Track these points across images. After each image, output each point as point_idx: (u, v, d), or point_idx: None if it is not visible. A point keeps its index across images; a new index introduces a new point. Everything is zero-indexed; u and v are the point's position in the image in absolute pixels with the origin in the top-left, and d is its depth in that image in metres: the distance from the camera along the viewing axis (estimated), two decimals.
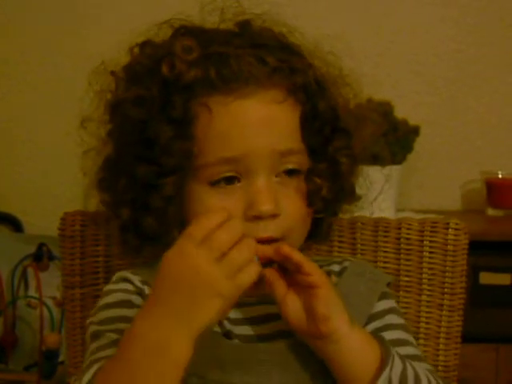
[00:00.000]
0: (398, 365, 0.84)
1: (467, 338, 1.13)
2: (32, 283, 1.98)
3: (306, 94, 0.89)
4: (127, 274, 0.93)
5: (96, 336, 0.87)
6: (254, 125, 0.86)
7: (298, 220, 0.89)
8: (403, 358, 0.86)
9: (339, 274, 0.97)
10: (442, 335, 1.09)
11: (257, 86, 0.86)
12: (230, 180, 0.87)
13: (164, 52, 0.88)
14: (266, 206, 0.85)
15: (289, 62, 0.88)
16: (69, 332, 1.13)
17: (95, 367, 0.79)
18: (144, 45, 0.93)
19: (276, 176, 0.88)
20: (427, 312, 1.08)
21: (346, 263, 0.98)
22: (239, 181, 0.87)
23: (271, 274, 0.84)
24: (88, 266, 1.11)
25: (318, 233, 0.96)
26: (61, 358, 1.91)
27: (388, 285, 0.99)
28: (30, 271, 1.98)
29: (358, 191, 0.97)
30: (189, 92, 0.86)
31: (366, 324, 0.93)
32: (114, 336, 0.85)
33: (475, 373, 1.75)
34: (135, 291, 0.91)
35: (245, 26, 0.93)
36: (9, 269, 1.99)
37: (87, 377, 0.78)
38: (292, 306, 0.83)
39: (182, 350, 0.73)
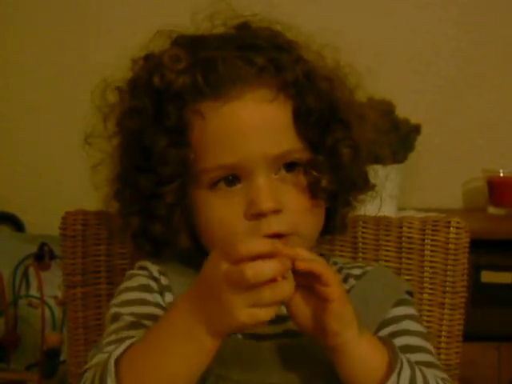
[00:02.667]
0: (406, 370, 0.83)
1: (469, 336, 1.13)
2: (33, 283, 1.98)
3: (296, 89, 0.89)
4: (147, 263, 0.95)
5: (115, 318, 0.90)
6: (246, 129, 0.86)
7: (303, 213, 0.89)
8: (413, 363, 0.85)
9: (358, 277, 0.97)
10: (443, 334, 1.09)
11: (245, 86, 0.86)
12: (230, 182, 0.88)
13: (156, 63, 0.90)
14: (265, 204, 0.85)
15: (277, 59, 0.88)
16: (70, 331, 1.13)
17: (126, 343, 0.80)
18: (146, 58, 0.93)
19: (276, 174, 0.88)
20: (428, 311, 1.08)
21: (369, 268, 0.99)
22: (240, 182, 0.88)
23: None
24: (89, 266, 1.12)
25: (333, 226, 0.96)
26: (62, 358, 1.91)
27: (411, 294, 0.98)
28: (32, 271, 1.98)
29: (372, 180, 0.96)
30: (180, 100, 0.87)
31: (380, 329, 0.92)
32: (130, 319, 0.88)
33: (477, 371, 1.75)
34: (152, 278, 0.93)
35: (243, 28, 0.93)
36: (10, 268, 1.99)
37: (119, 350, 0.78)
38: (300, 309, 0.81)
39: (206, 340, 0.75)
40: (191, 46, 0.90)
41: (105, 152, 0.95)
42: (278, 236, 0.86)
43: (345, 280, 0.97)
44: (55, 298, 1.95)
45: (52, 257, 1.98)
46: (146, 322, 0.88)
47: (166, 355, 0.76)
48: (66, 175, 2.10)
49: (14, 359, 1.96)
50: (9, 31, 2.18)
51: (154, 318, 0.89)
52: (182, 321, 0.76)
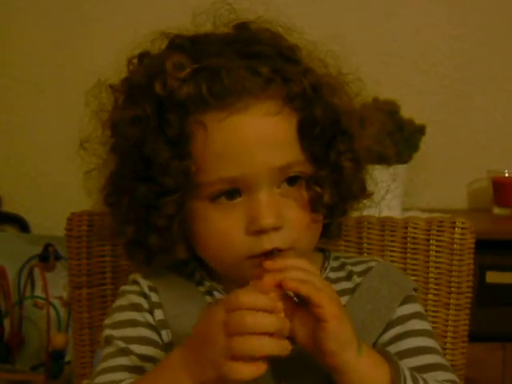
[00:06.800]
0: None
1: (474, 336, 1.13)
2: (38, 283, 1.98)
3: (303, 101, 0.87)
4: (138, 277, 0.94)
5: (107, 342, 0.91)
6: (250, 143, 0.84)
7: (303, 229, 0.88)
8: (415, 375, 0.84)
9: (362, 273, 0.96)
10: (448, 334, 1.09)
11: (250, 99, 0.84)
12: (231, 195, 0.86)
13: (157, 68, 0.87)
14: (266, 220, 0.84)
15: (283, 71, 0.86)
16: (76, 332, 1.13)
17: None
18: (142, 57, 0.92)
19: (278, 187, 0.87)
20: (434, 311, 1.08)
21: (373, 263, 0.97)
22: (240, 195, 0.86)
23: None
24: (95, 266, 1.12)
25: (328, 233, 0.96)
26: (67, 358, 1.91)
27: (415, 290, 0.97)
28: (37, 271, 1.98)
29: (368, 188, 0.95)
30: (183, 110, 0.84)
31: (387, 329, 0.91)
32: (121, 344, 0.89)
33: (482, 372, 1.75)
34: (142, 294, 0.93)
35: (242, 29, 0.91)
36: (15, 269, 2.00)
37: None
38: (299, 327, 0.80)
39: None
40: (192, 49, 0.88)
41: (100, 157, 0.93)
42: (277, 251, 0.85)
43: (348, 277, 0.96)
44: (60, 298, 1.96)
45: (57, 257, 1.99)
46: (135, 347, 0.89)
47: None
48: (71, 176, 2.09)
49: (19, 360, 1.96)
50: (10, 33, 2.18)
51: (143, 340, 0.90)
52: (171, 373, 0.78)
